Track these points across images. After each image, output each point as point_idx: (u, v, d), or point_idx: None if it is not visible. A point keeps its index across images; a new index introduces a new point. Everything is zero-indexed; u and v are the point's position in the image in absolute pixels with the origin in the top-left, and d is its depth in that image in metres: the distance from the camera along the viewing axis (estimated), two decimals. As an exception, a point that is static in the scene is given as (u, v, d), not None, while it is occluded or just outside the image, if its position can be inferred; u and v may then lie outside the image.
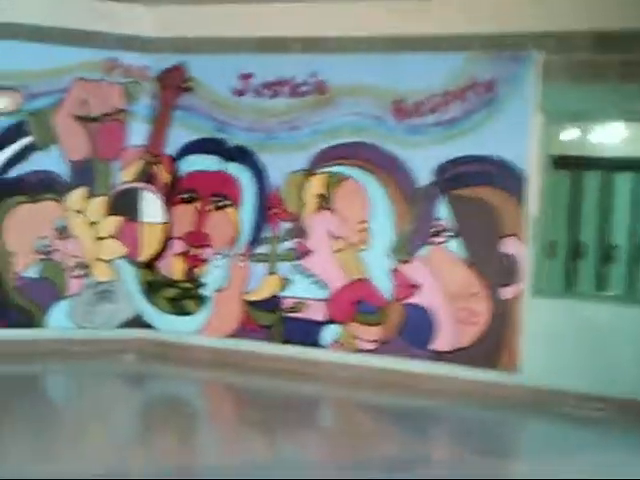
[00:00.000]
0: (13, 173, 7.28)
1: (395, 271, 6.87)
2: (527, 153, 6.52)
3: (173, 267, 7.54)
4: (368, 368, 6.90)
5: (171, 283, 7.55)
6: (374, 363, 6.90)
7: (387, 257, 6.88)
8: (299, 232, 7.17)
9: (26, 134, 7.31)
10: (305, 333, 7.11)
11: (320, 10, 7.00)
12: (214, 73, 7.38)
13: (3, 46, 7.14)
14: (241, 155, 7.35)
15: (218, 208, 7.42)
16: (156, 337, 7.57)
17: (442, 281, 6.74)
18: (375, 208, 6.92)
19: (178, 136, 7.51)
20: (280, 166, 7.21)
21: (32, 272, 7.35)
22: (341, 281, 7.04)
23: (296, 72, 7.14)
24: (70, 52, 7.31)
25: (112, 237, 7.56)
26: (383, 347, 6.90)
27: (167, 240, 7.56)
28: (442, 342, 6.75)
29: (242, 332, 7.32)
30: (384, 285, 6.89)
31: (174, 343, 7.50)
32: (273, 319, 7.24)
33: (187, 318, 7.51)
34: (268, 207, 7.27)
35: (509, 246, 6.57)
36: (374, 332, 6.93)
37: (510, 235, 6.56)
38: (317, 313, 7.09)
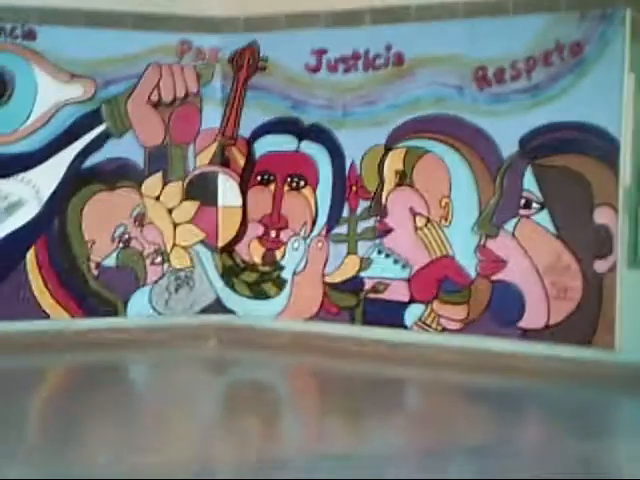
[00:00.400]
0: (89, 162, 7.24)
1: (480, 247, 6.58)
2: (619, 117, 6.14)
3: (251, 251, 7.40)
4: (455, 349, 6.63)
5: (250, 267, 7.42)
6: (461, 343, 6.62)
7: (472, 233, 6.60)
8: (378, 210, 6.94)
9: (101, 122, 7.27)
10: (388, 314, 6.87)
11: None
12: (287, 51, 7.21)
13: (75, 34, 7.09)
14: (317, 133, 7.16)
15: (295, 189, 7.26)
16: (236, 322, 7.45)
17: (531, 255, 6.42)
18: (457, 182, 6.64)
19: (252, 117, 7.36)
20: (357, 143, 6.99)
21: (111, 260, 7.30)
22: (424, 259, 6.78)
23: (370, 45, 6.90)
24: (142, 37, 7.24)
25: (189, 222, 7.47)
26: (470, 326, 6.61)
27: (245, 223, 7.43)
28: (532, 320, 6.43)
29: (323, 315, 7.14)
30: (469, 262, 6.61)
31: (254, 327, 7.36)
32: (354, 301, 7.03)
33: (267, 302, 7.38)
34: (346, 186, 7.07)
35: (601, 216, 6.21)
36: (460, 311, 6.65)
37: (602, 205, 6.21)
38: (399, 293, 6.85)
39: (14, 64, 7.03)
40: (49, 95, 7.11)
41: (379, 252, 6.94)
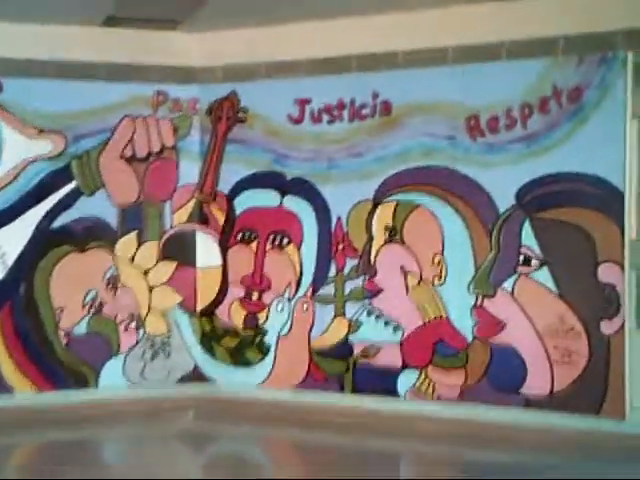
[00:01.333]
0: (58, 222, 6.82)
1: (477, 307, 6.13)
2: (622, 167, 5.74)
3: (232, 314, 6.96)
4: (451, 418, 6.13)
5: (231, 332, 6.97)
6: (458, 412, 6.13)
7: (467, 292, 6.15)
8: (367, 269, 6.50)
9: (71, 179, 6.86)
10: (379, 381, 6.41)
11: (378, 23, 6.38)
12: (268, 101, 6.85)
13: (44, 85, 6.71)
14: (300, 188, 6.76)
15: (278, 247, 6.84)
16: (216, 392, 6.98)
17: (532, 316, 5.97)
18: (451, 238, 6.21)
19: (232, 171, 6.98)
20: (343, 197, 6.60)
21: (81, 328, 6.84)
22: (417, 321, 6.33)
23: (356, 93, 6.54)
24: (115, 88, 6.88)
25: (166, 285, 7.04)
26: (467, 394, 6.14)
27: (225, 285, 7.00)
28: (534, 386, 5.96)
29: (309, 383, 6.66)
30: (465, 324, 6.16)
31: (236, 397, 6.88)
32: (343, 367, 6.56)
33: (249, 369, 6.92)
34: (332, 243, 6.65)
35: (606, 274, 5.77)
36: (456, 377, 6.17)
37: (607, 261, 5.77)
38: (391, 358, 6.38)
39: (-23, 118, 6.65)
40: (15, 151, 6.71)
41: (369, 314, 6.49)
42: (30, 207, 6.76)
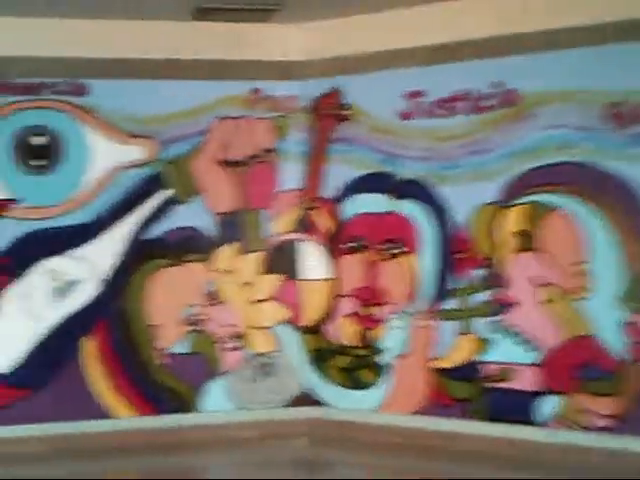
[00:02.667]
0: (152, 232, 6.35)
1: (630, 324, 5.39)
2: None
3: (343, 331, 6.38)
4: (602, 451, 5.42)
5: (342, 350, 6.39)
6: (610, 445, 5.41)
7: (617, 306, 5.41)
8: (496, 280, 5.83)
9: (164, 187, 6.36)
10: (514, 407, 5.74)
11: (501, 2, 5.69)
12: (375, 95, 6.25)
13: (132, 87, 6.27)
14: (415, 190, 6.14)
15: (392, 257, 6.21)
16: (329, 415, 6.42)
17: (696, 334, 5.23)
18: (595, 244, 5.48)
19: (338, 174, 6.40)
20: (465, 200, 5.94)
21: (180, 347, 6.35)
22: (556, 339, 5.63)
23: (477, 83, 5.86)
24: (208, 87, 6.39)
25: (270, 299, 6.49)
26: (621, 424, 5.40)
27: (334, 299, 6.42)
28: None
29: (432, 407, 6.04)
30: (615, 342, 5.42)
31: (350, 422, 6.33)
32: (471, 390, 5.91)
33: (364, 391, 6.32)
34: (453, 251, 6.00)
35: None
36: (607, 404, 5.44)
37: None
38: (528, 381, 5.70)
39: (61, 123, 6.22)
40: (103, 158, 6.27)
41: (499, 331, 5.82)
42: (121, 218, 6.34)
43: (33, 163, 6.26)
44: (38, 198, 6.21)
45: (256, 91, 6.48)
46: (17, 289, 6.20)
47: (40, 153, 6.27)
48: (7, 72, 6.14)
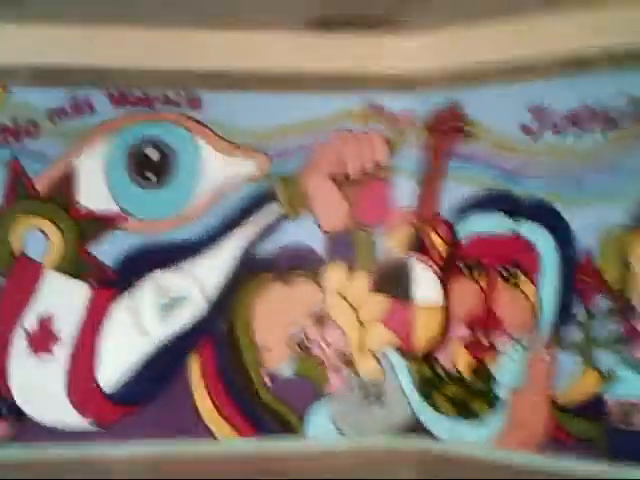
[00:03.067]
0: (261, 250, 6.18)
1: None
2: None
3: (456, 359, 6.05)
4: None
5: (454, 379, 6.05)
6: None
7: None
8: (625, 310, 5.40)
9: (274, 202, 6.20)
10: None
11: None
12: (497, 109, 5.89)
13: (245, 99, 6.12)
14: (537, 211, 5.75)
15: (510, 282, 5.85)
16: (437, 447, 6.08)
17: None
18: None
19: (454, 193, 6.08)
20: (591, 222, 5.52)
21: (286, 369, 6.15)
22: (693, 377, 5.16)
23: (608, 96, 5.45)
24: (321, 100, 6.18)
25: (379, 322, 6.21)
26: None
27: (447, 324, 6.09)
28: None
29: (551, 445, 5.62)
30: None
31: (463, 456, 5.97)
32: (594, 429, 5.47)
33: (476, 424, 5.96)
34: (577, 278, 5.59)
35: None
36: None
37: None
38: (657, 422, 5.24)
39: (175, 136, 6.13)
40: (215, 173, 6.15)
41: (628, 365, 5.39)
42: (230, 234, 6.18)
43: (147, 176, 6.21)
44: (149, 212, 6.14)
45: (371, 105, 6.25)
46: (126, 303, 6.16)
47: (154, 166, 6.22)
48: (123, 84, 6.13)
